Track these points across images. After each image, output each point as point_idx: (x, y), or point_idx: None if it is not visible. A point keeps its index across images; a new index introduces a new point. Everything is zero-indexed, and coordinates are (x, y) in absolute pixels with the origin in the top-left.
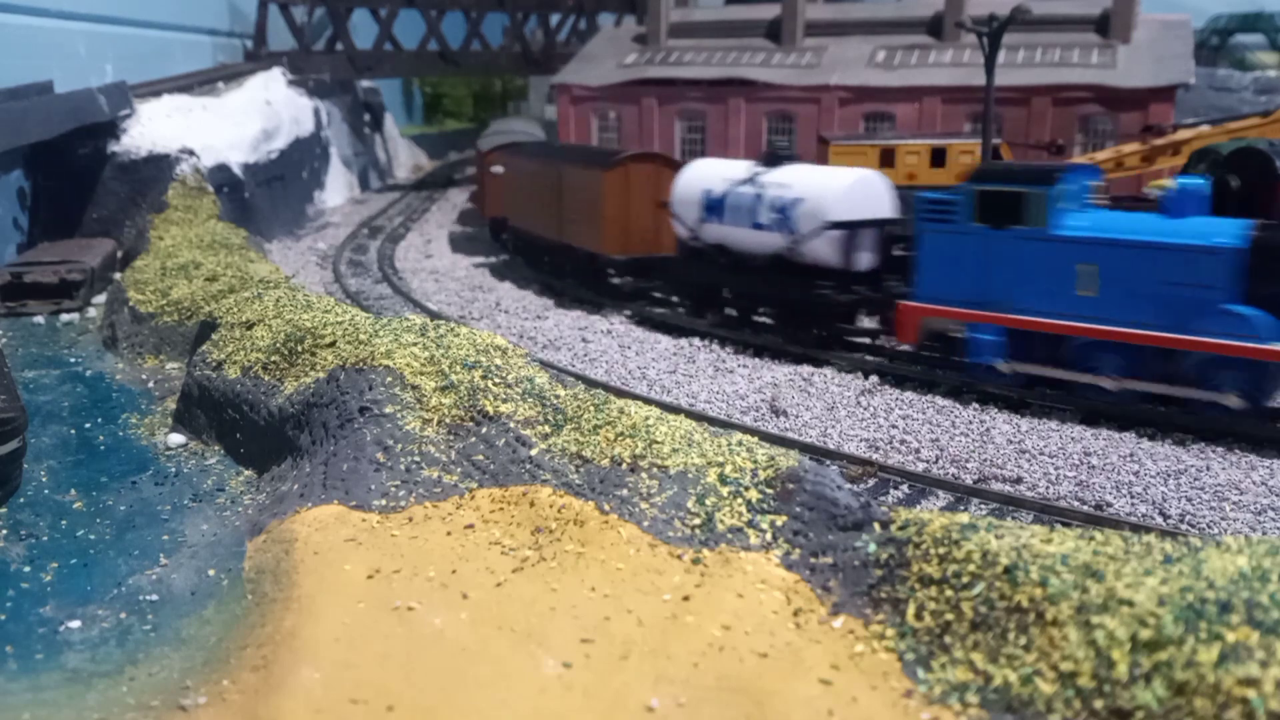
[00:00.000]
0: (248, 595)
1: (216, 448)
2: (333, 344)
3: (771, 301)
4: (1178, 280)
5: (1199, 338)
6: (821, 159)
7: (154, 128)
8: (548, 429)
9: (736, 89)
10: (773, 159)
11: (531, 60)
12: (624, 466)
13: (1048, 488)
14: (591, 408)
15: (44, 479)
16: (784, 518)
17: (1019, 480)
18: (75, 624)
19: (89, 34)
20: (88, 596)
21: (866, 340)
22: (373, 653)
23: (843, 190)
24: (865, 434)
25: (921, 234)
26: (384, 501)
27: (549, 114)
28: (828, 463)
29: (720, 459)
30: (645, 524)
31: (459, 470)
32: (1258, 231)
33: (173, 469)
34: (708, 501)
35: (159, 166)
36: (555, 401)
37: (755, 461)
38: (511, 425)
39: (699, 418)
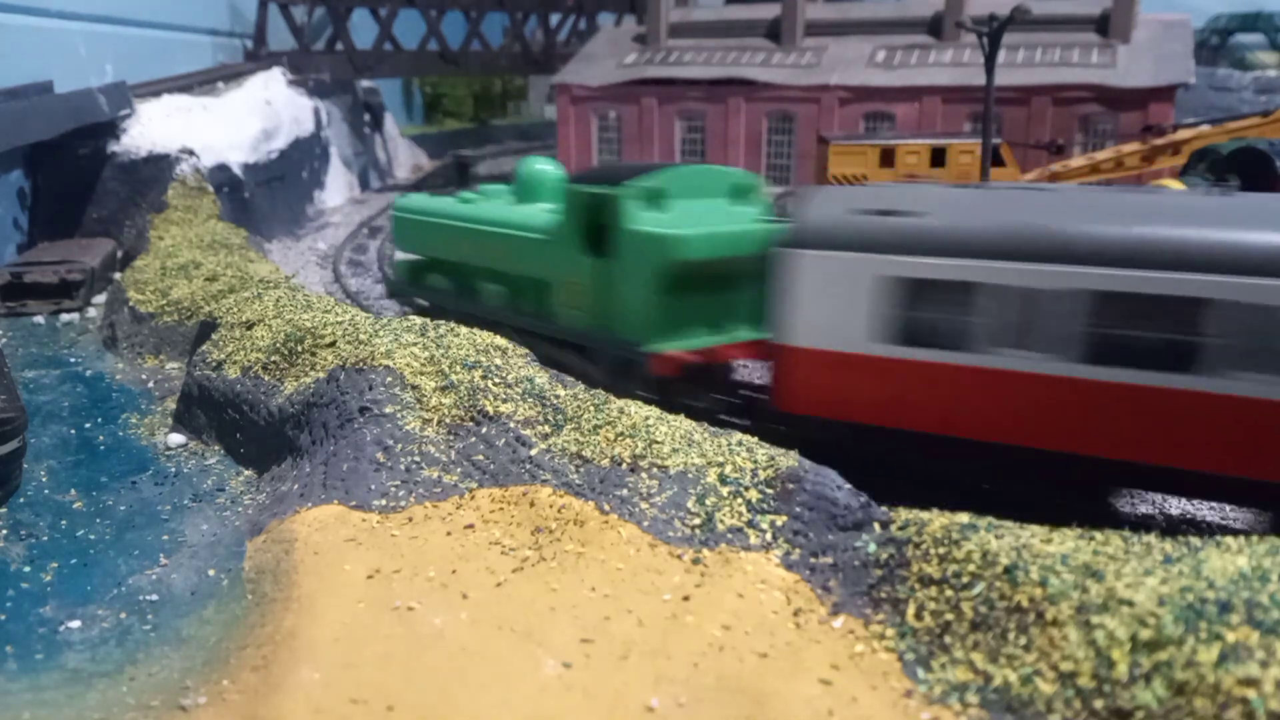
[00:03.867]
0: (248, 595)
1: (216, 448)
2: (333, 344)
3: None
4: None
5: None
6: (822, 159)
7: (154, 128)
8: (548, 429)
9: (736, 89)
10: None
11: (531, 60)
12: (624, 466)
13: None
14: (591, 408)
15: (44, 479)
16: (784, 518)
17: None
18: (75, 624)
19: (89, 34)
20: (88, 596)
21: None
22: (373, 653)
23: None
24: None
25: None
26: (384, 501)
27: (549, 114)
28: None
29: (720, 459)
30: (645, 524)
31: (459, 470)
32: None
33: (173, 469)
34: (708, 501)
35: (159, 166)
36: (555, 401)
37: (755, 461)
38: (511, 425)
39: (699, 418)
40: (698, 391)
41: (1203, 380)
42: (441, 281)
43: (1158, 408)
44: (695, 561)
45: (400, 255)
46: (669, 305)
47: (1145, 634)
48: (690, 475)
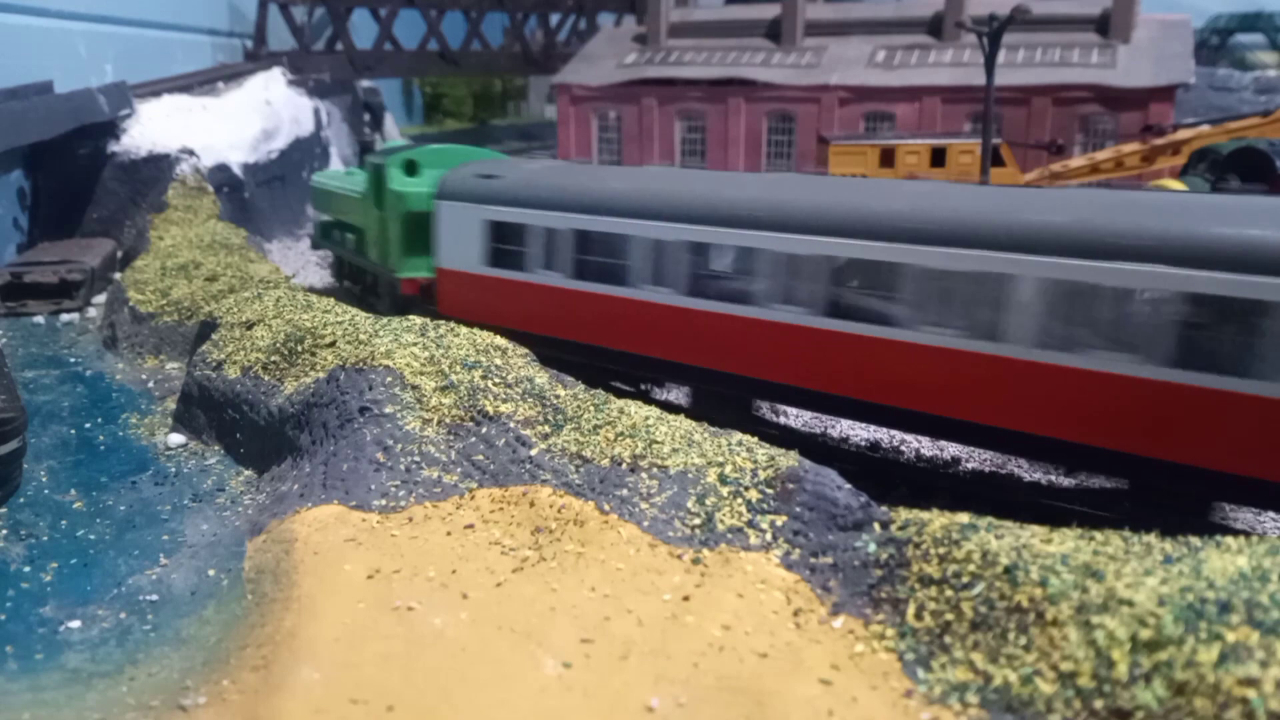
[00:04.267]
0: (248, 595)
1: (216, 448)
2: (333, 344)
3: None
4: None
5: None
6: (821, 159)
7: (154, 128)
8: (548, 429)
9: (736, 89)
10: None
11: (531, 60)
12: (624, 466)
13: (1048, 486)
14: (591, 408)
15: (44, 479)
16: (784, 518)
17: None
18: (75, 624)
19: (89, 34)
20: (88, 596)
21: None
22: (373, 653)
23: None
24: (865, 434)
25: None
26: (384, 501)
27: (549, 114)
28: None
29: (720, 459)
30: (645, 524)
31: (459, 470)
32: None
33: (173, 469)
34: (708, 501)
35: (159, 166)
36: (555, 401)
37: (755, 461)
38: (511, 425)
39: (699, 418)
40: (428, 305)
41: (631, 290)
42: (336, 235)
43: (617, 312)
44: (695, 561)
45: (317, 217)
46: (412, 243)
47: (1145, 634)
48: (690, 475)
